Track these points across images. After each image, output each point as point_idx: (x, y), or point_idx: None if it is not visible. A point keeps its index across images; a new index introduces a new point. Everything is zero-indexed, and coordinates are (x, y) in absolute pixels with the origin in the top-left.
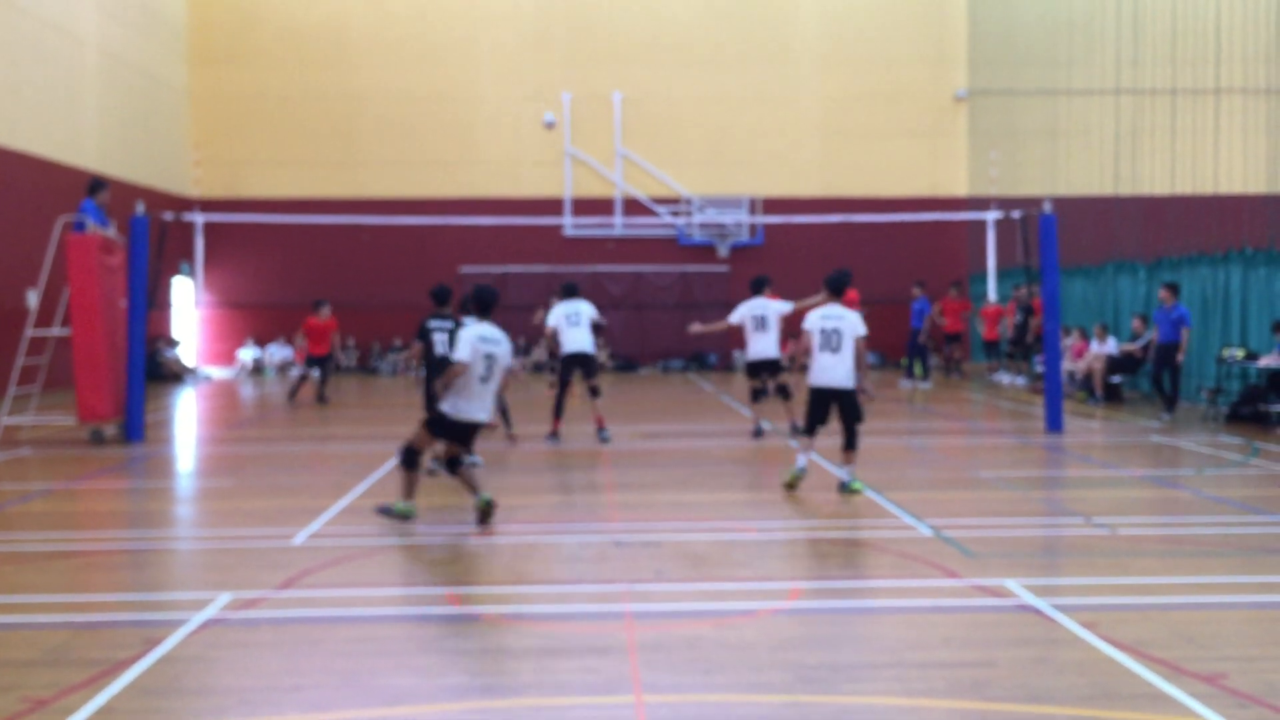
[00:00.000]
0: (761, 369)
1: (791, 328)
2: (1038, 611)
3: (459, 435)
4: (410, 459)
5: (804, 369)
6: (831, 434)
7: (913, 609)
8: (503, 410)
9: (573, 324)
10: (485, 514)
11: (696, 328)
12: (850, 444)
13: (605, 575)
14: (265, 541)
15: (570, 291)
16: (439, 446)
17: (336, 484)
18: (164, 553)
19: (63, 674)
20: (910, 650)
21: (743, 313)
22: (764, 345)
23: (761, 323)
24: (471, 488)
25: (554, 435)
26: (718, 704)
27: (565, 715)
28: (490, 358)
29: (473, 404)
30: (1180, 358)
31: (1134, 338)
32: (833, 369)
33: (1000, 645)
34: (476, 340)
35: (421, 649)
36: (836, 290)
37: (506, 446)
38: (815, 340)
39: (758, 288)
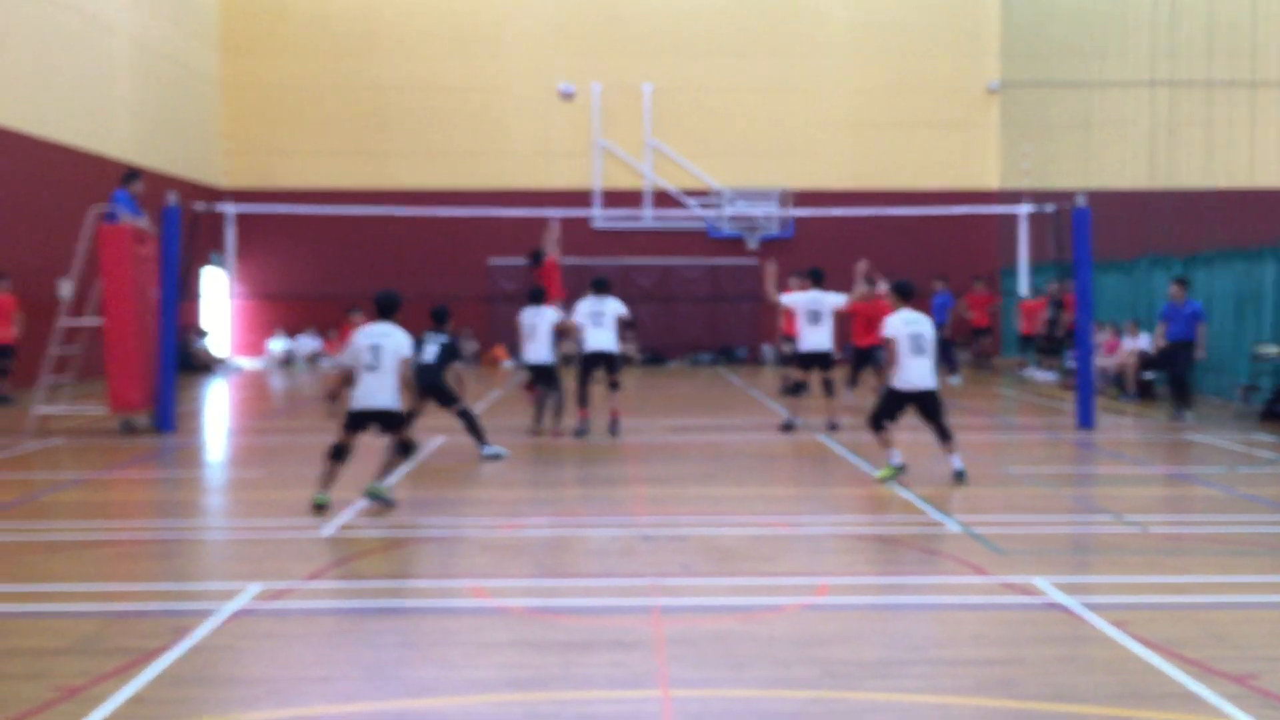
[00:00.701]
0: (814, 361)
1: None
2: (1067, 610)
3: (376, 422)
4: (336, 453)
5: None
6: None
7: (941, 606)
8: (556, 406)
9: (596, 323)
10: (317, 509)
11: (771, 271)
12: (948, 434)
13: (632, 569)
14: (294, 532)
15: (600, 287)
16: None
17: (365, 476)
18: (194, 543)
19: (94, 663)
20: (938, 647)
21: (800, 302)
22: (819, 337)
23: (816, 316)
24: (382, 470)
25: (583, 422)
26: (744, 699)
27: (591, 709)
28: (375, 349)
29: (365, 392)
30: (1201, 354)
31: None
32: (925, 371)
33: (1029, 643)
34: (359, 337)
35: (448, 641)
36: (908, 295)
37: (548, 439)
38: (904, 345)
39: (817, 279)
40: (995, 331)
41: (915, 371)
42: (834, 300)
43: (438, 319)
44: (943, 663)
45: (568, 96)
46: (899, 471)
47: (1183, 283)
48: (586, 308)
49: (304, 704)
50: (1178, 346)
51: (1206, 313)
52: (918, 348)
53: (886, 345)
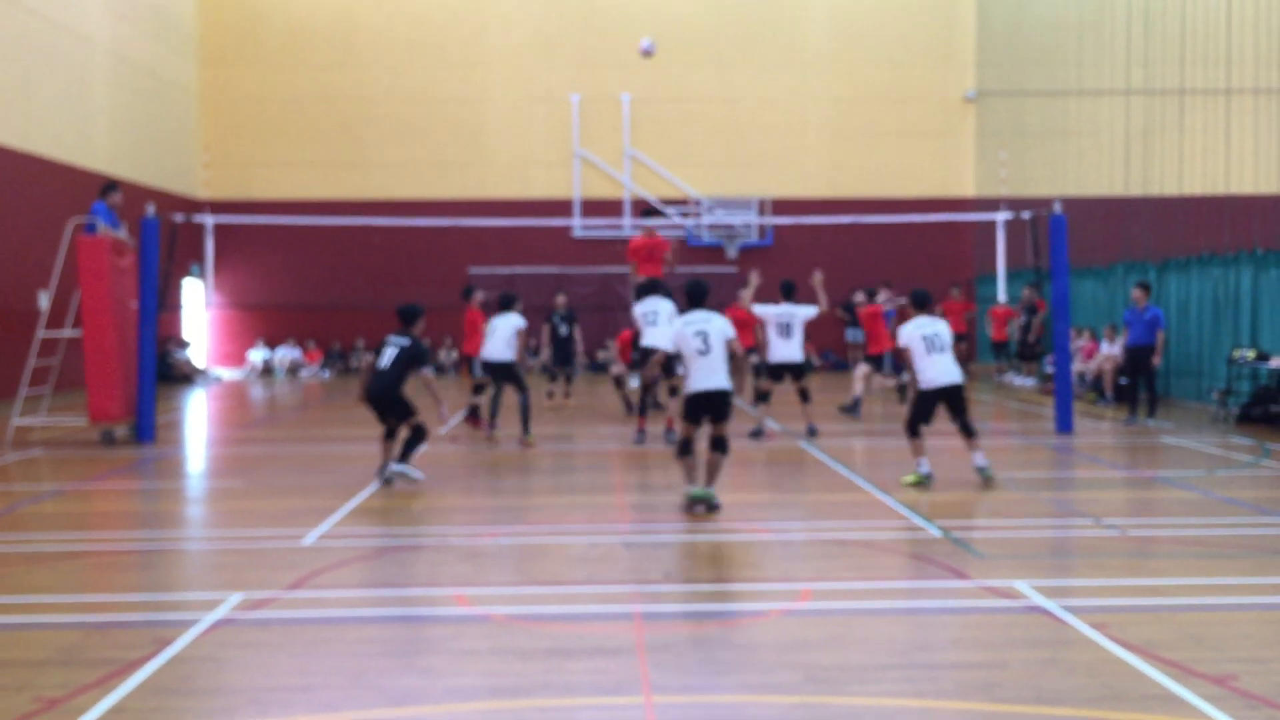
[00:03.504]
0: (785, 371)
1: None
2: (1047, 613)
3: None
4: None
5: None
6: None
7: (922, 610)
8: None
9: (650, 323)
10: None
11: (754, 281)
12: (972, 432)
13: (614, 576)
14: (275, 542)
15: (653, 290)
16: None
17: (346, 485)
18: (175, 553)
19: (74, 674)
20: (919, 651)
21: (771, 314)
22: (790, 349)
23: (787, 329)
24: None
25: (641, 433)
26: (727, 705)
27: (574, 716)
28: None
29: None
30: (1157, 361)
31: None
32: (947, 367)
33: (1010, 646)
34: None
35: (430, 649)
36: (923, 304)
37: (514, 447)
38: (919, 348)
39: (788, 293)
40: (971, 338)
41: (937, 369)
42: (806, 312)
43: (404, 319)
44: (924, 667)
45: (647, 54)
46: (926, 481)
47: (1145, 287)
48: (639, 310)
49: (285, 714)
50: (1137, 351)
51: (1180, 317)
52: (934, 347)
53: (903, 355)
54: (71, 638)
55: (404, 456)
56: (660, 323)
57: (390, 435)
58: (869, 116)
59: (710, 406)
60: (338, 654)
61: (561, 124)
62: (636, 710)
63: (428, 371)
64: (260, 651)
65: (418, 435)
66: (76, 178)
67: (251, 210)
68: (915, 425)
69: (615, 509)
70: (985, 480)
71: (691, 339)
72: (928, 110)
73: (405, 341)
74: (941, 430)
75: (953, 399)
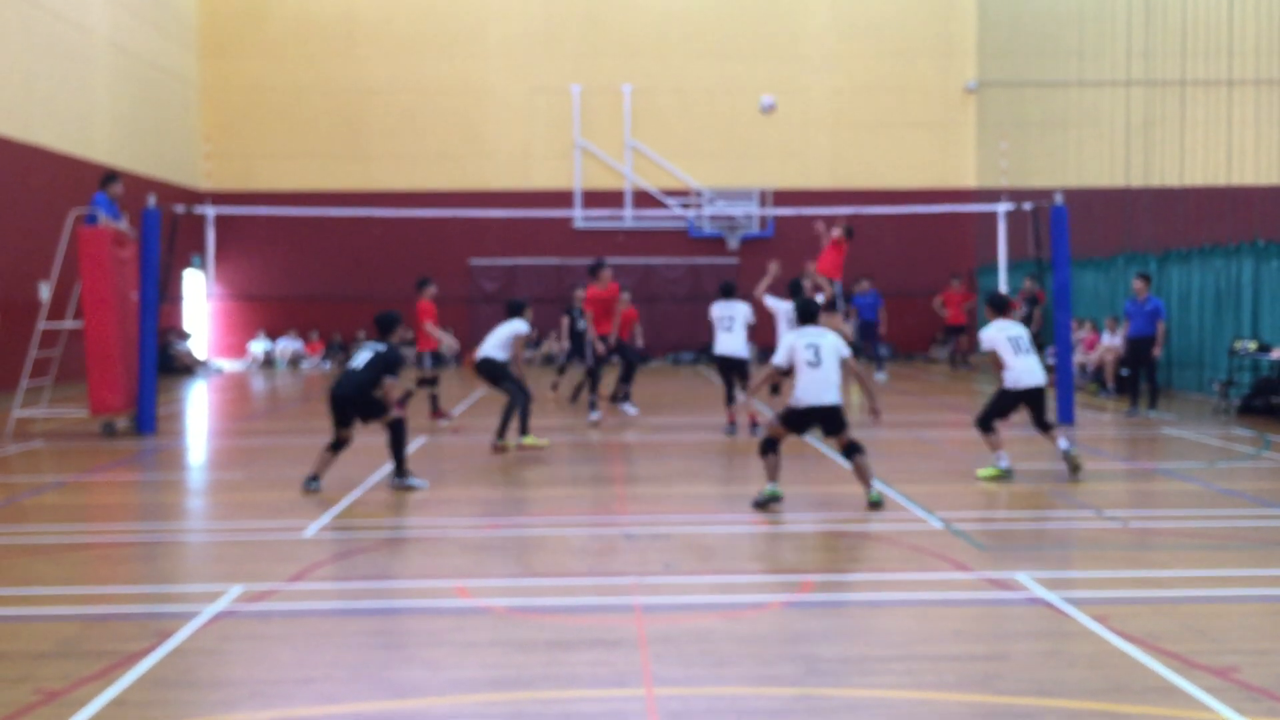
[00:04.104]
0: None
1: None
2: (1049, 605)
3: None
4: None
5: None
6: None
7: (923, 602)
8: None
9: (725, 329)
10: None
11: (772, 272)
12: (1048, 425)
13: (615, 568)
14: (276, 534)
15: (728, 291)
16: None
17: (346, 477)
18: (175, 545)
19: (75, 666)
20: (921, 643)
21: (782, 310)
22: None
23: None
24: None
25: (732, 425)
26: (728, 696)
27: (575, 708)
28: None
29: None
30: (1158, 352)
31: None
32: (1032, 368)
33: (1011, 638)
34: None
35: (431, 642)
36: (1001, 308)
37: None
38: (1007, 349)
39: (796, 291)
40: (971, 329)
41: (1023, 369)
42: None
43: (381, 327)
44: (925, 659)
45: (768, 110)
46: (1007, 475)
47: (1146, 278)
48: (717, 311)
49: (286, 706)
50: (1138, 343)
51: (1181, 309)
52: (1020, 348)
53: (989, 357)
54: (72, 630)
55: (398, 468)
56: (736, 329)
57: (337, 446)
58: (870, 107)
59: (820, 420)
60: (339, 646)
61: (562, 115)
62: (638, 702)
63: (391, 379)
64: (261, 644)
65: (398, 435)
66: (77, 169)
67: (252, 201)
68: (989, 421)
69: (615, 500)
70: (1072, 465)
71: (803, 350)
72: (928, 101)
73: (381, 347)
74: (943, 421)
75: (1034, 400)
